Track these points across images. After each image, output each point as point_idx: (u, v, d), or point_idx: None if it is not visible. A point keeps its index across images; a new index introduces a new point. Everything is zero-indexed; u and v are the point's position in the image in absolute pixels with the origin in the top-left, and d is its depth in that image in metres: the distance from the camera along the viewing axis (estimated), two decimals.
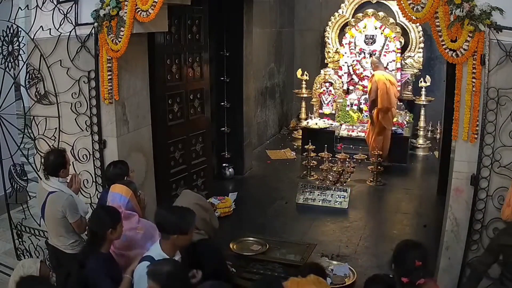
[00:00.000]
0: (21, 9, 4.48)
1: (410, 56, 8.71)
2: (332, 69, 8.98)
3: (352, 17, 8.93)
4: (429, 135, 9.03)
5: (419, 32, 8.59)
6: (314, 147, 7.14)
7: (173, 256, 2.91)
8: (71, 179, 3.81)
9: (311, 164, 7.14)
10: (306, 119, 9.01)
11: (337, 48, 9.10)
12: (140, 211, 3.55)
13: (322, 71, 8.95)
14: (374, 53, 8.59)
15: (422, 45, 8.64)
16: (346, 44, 8.85)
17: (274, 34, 9.48)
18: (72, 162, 4.14)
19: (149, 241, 3.35)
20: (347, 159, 7.01)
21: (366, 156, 7.19)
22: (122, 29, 3.97)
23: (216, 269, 3.09)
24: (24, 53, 4.53)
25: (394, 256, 2.60)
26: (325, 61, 9.31)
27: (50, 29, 4.28)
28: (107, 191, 3.62)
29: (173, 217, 2.92)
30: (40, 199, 3.69)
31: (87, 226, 3.39)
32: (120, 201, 3.39)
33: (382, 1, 8.72)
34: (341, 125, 8.50)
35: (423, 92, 8.39)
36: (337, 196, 6.14)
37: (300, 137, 8.72)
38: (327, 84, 8.86)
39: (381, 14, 8.61)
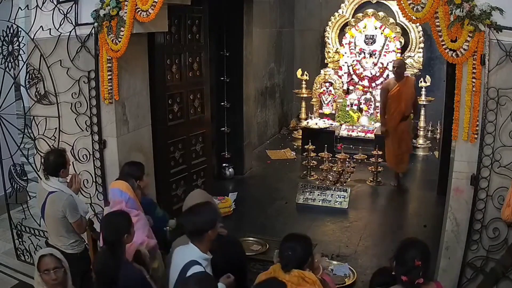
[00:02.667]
0: (21, 9, 4.47)
1: (410, 56, 8.70)
2: (332, 69, 8.99)
3: (352, 17, 8.93)
4: (429, 135, 9.03)
5: (419, 32, 8.59)
6: (314, 147, 7.15)
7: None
8: (71, 179, 3.80)
9: (311, 164, 7.14)
10: (306, 119, 9.01)
11: (337, 48, 9.11)
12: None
13: (322, 71, 8.96)
14: (374, 53, 8.60)
15: (422, 45, 8.64)
16: (346, 44, 8.86)
17: (274, 34, 9.48)
18: (72, 162, 4.14)
19: (141, 229, 3.34)
20: (347, 159, 7.02)
21: (366, 156, 7.19)
22: (122, 29, 3.96)
23: (238, 261, 3.21)
24: (24, 53, 4.52)
25: (396, 254, 2.61)
26: (325, 61, 9.32)
27: (50, 29, 4.28)
28: None
29: (199, 217, 2.93)
30: (40, 199, 3.69)
31: (101, 238, 3.23)
32: (121, 196, 3.40)
33: (382, 1, 8.73)
34: (341, 125, 8.51)
35: (423, 92, 8.38)
36: (337, 196, 6.13)
37: (300, 137, 8.72)
38: (327, 84, 8.87)
39: (381, 14, 8.61)
